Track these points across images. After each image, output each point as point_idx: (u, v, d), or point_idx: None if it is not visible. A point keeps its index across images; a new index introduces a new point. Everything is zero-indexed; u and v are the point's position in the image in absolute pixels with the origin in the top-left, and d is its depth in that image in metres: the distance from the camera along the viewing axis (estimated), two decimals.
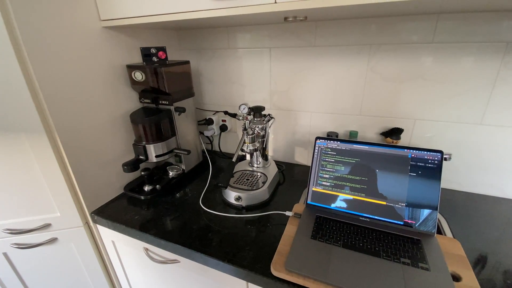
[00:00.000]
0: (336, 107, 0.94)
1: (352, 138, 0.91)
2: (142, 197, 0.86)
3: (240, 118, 0.92)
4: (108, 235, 0.84)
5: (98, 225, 0.84)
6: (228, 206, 0.83)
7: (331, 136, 0.92)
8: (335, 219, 0.71)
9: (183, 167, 0.99)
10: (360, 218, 0.71)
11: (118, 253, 0.87)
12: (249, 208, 0.81)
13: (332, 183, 0.75)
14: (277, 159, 1.13)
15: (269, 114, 0.90)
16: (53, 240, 0.83)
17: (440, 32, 0.74)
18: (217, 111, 1.15)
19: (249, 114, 0.89)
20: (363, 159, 0.72)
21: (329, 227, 0.68)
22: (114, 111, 0.86)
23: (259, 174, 0.92)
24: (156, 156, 0.88)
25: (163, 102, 0.89)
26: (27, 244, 0.81)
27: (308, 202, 0.76)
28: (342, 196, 0.73)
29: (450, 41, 0.74)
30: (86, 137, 0.78)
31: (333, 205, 0.74)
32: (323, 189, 0.75)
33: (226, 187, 0.67)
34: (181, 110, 0.89)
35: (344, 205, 0.73)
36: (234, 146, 1.22)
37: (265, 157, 0.95)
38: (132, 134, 0.92)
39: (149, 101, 0.90)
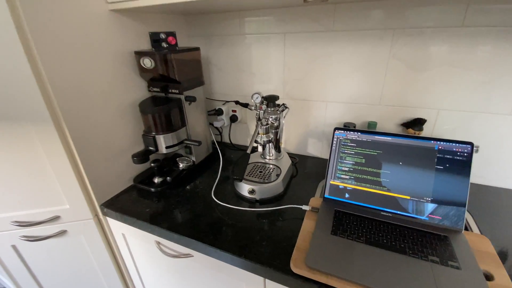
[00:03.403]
0: (354, 96, 0.89)
1: (370, 129, 0.87)
2: (153, 189, 0.84)
3: (253, 108, 0.89)
4: (118, 227, 0.82)
5: (108, 218, 0.82)
6: (241, 199, 0.80)
7: (348, 127, 0.88)
8: (355, 213, 0.68)
9: (193, 158, 0.96)
10: (382, 213, 0.67)
11: (128, 246, 0.85)
12: (262, 202, 0.78)
13: (352, 176, 0.71)
14: (289, 150, 1.10)
15: (283, 104, 0.86)
16: (62, 233, 0.81)
17: (472, 14, 0.68)
18: (227, 101, 1.11)
19: (261, 103, 0.85)
20: (386, 151, 0.68)
21: (349, 222, 0.65)
22: (122, 100, 0.82)
23: (272, 166, 0.89)
24: (166, 147, 0.85)
25: (173, 91, 0.85)
26: (36, 237, 0.80)
27: (325, 195, 0.73)
28: (363, 190, 0.70)
29: (482, 25, 0.68)
30: (94, 127, 0.75)
31: (352, 199, 0.70)
32: (342, 182, 0.72)
33: (241, 180, 0.64)
34: (192, 99, 0.85)
35: (364, 199, 0.69)
36: (244, 138, 1.18)
37: (278, 149, 0.92)
38: (141, 124, 0.88)
39: (158, 89, 0.86)
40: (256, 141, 0.80)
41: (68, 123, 0.68)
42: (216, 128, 1.17)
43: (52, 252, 0.85)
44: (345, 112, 0.93)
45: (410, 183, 0.66)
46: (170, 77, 0.81)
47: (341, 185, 0.72)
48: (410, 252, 0.56)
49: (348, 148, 0.72)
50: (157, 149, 0.84)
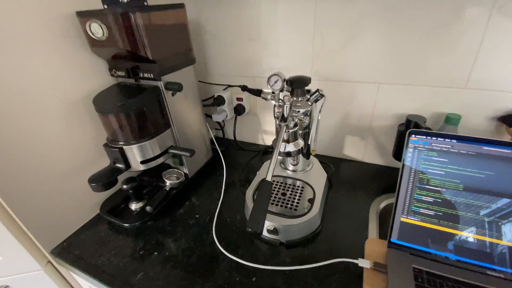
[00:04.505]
0: (423, 75, 0.59)
1: (450, 125, 0.57)
2: (126, 225, 0.58)
3: (269, 97, 0.59)
4: (82, 280, 0.57)
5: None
6: (257, 238, 0.54)
7: (415, 123, 0.59)
8: (448, 276, 0.41)
9: (186, 170, 0.69)
10: (489, 271, 0.41)
11: None
12: (290, 245, 0.51)
13: (439, 211, 0.44)
14: (315, 152, 0.81)
15: (317, 90, 0.56)
16: None
17: None
18: (230, 85, 0.81)
19: (281, 90, 0.55)
20: (502, 173, 0.40)
21: None
22: (69, 93, 0.54)
23: (299, 184, 0.61)
24: (142, 162, 0.57)
25: (146, 75, 0.55)
26: None
27: (392, 240, 0.46)
28: (459, 234, 0.43)
29: None
30: (21, 140, 0.47)
31: (441, 250, 0.44)
32: (422, 221, 0.45)
33: (261, 233, 0.37)
34: (175, 88, 0.56)
35: (463, 250, 0.42)
36: (254, 134, 0.89)
37: (307, 155, 0.64)
38: (102, 127, 0.59)
39: (123, 73, 0.56)
40: (279, 153, 0.52)
41: None
42: (217, 122, 0.88)
43: None
44: (406, 99, 0.63)
45: None
46: (138, 53, 0.51)
47: (421, 225, 0.45)
48: None
49: (433, 166, 0.44)
50: (128, 166, 0.56)
